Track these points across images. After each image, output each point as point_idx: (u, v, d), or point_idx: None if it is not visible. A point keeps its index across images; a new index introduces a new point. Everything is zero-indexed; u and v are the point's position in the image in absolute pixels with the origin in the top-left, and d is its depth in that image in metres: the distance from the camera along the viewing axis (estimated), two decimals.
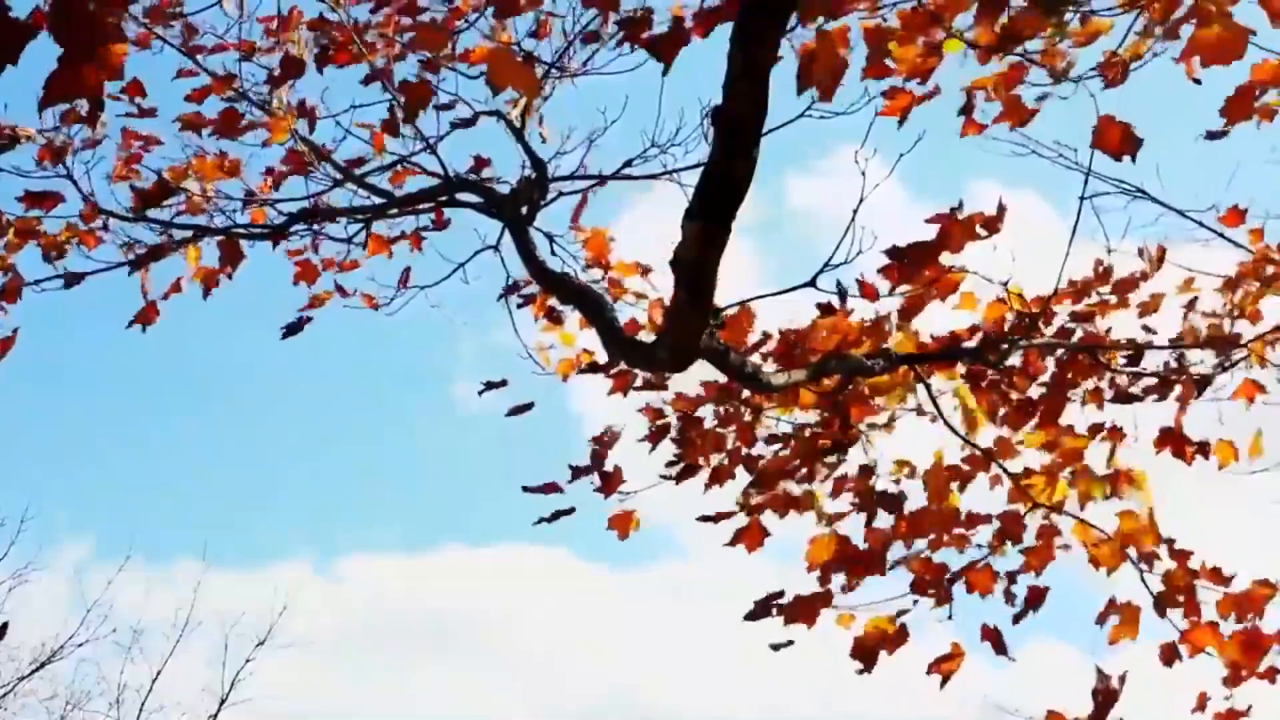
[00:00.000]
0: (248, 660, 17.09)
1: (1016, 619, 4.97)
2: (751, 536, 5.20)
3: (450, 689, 22.84)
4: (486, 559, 26.62)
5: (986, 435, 5.09)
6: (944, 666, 4.86)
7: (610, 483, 5.28)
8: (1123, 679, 4.05)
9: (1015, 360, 5.07)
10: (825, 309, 4.87)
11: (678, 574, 25.39)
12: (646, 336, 5.07)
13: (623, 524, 5.36)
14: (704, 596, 24.67)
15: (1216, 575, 4.78)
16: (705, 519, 5.20)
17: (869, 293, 4.81)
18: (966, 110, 4.44)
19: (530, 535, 27.38)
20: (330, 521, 26.77)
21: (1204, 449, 5.13)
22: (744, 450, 5.28)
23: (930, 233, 4.62)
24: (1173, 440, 5.13)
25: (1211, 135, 4.59)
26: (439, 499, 28.21)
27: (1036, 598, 4.98)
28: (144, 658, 17.28)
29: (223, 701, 16.83)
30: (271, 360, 29.08)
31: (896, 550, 5.05)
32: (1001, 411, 5.13)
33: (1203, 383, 5.13)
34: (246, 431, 26.72)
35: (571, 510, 5.22)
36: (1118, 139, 4.03)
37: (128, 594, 22.26)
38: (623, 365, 5.36)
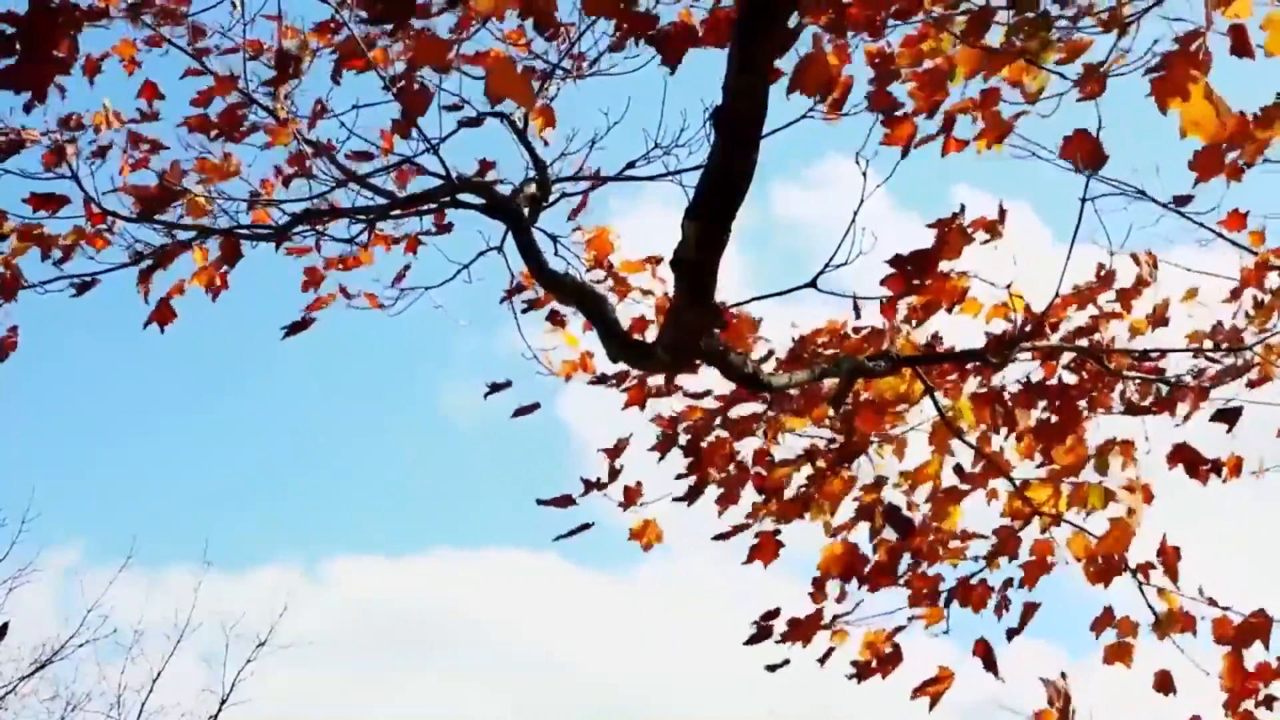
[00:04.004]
0: (249, 660, 17.09)
1: (1010, 635, 4.98)
2: (766, 551, 5.22)
3: (443, 693, 22.77)
4: (477, 563, 26.64)
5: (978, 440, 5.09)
6: (930, 690, 4.90)
7: (630, 496, 5.30)
8: (1064, 675, 4.08)
9: (1022, 369, 5.06)
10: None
11: (667, 577, 25.41)
12: (654, 334, 5.06)
13: (644, 535, 5.40)
14: (694, 600, 24.76)
15: (1211, 601, 4.77)
16: (720, 537, 5.21)
17: (888, 313, 4.83)
18: (947, 129, 4.48)
19: (519, 539, 27.50)
20: (319, 526, 26.66)
21: (1216, 466, 5.03)
22: (755, 469, 5.28)
23: (928, 239, 4.63)
24: (1185, 456, 5.03)
25: (1179, 200, 4.60)
26: (427, 503, 28.17)
27: (1029, 613, 4.99)
28: (145, 658, 17.26)
29: (223, 702, 16.80)
30: (263, 363, 29.05)
31: (905, 562, 5.07)
32: (1001, 425, 5.11)
33: (1232, 415, 4.96)
34: (233, 436, 26.70)
35: (590, 525, 5.24)
36: (1085, 152, 4.08)
37: (117, 596, 22.26)
38: (634, 376, 5.37)
